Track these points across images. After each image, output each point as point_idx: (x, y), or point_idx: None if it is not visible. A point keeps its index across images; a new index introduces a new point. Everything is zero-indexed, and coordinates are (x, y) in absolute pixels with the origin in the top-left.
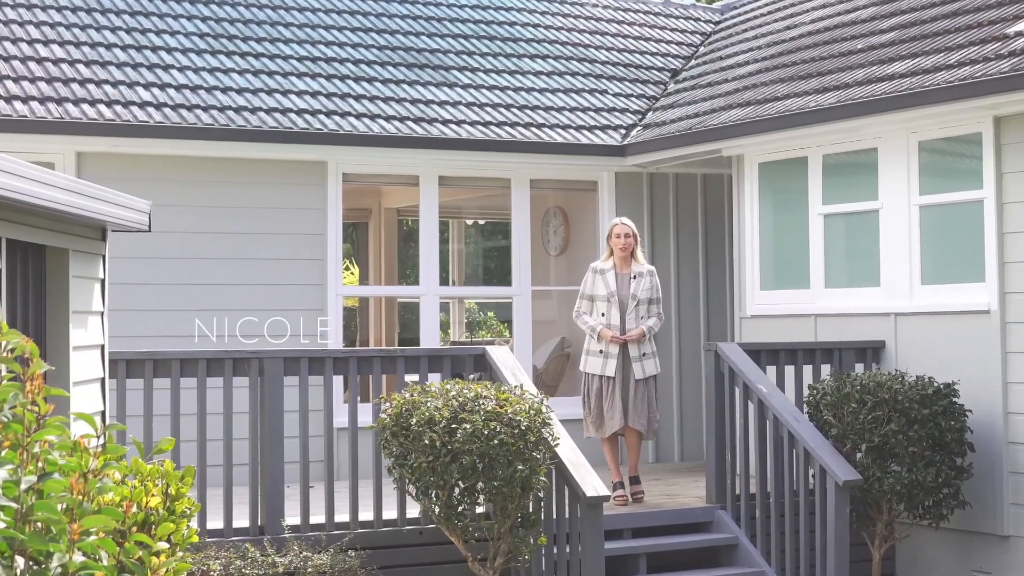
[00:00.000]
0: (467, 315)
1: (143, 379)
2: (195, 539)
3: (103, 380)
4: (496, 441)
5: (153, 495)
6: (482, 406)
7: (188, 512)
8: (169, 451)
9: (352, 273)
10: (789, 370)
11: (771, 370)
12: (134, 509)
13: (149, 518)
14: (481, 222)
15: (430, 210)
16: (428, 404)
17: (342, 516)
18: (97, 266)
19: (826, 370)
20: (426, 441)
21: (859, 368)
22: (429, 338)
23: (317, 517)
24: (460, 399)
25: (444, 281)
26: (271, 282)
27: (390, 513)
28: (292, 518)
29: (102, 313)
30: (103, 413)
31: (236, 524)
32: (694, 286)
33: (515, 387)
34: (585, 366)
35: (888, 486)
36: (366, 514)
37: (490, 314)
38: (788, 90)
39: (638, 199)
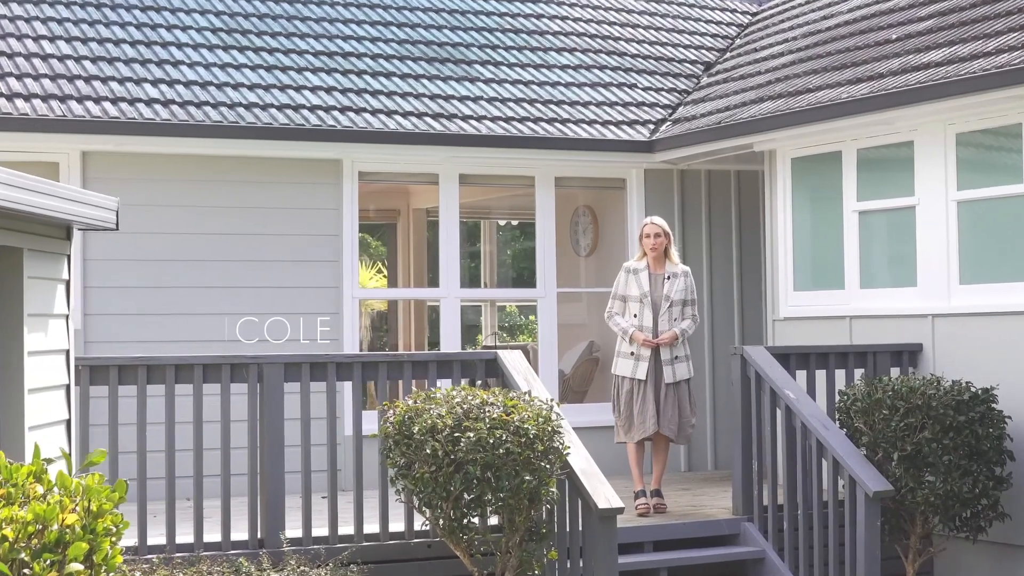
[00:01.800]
0: (508, 319)
1: (136, 385)
2: (119, 559)
3: (68, 387)
4: (502, 450)
5: (73, 511)
6: (488, 413)
7: (114, 530)
8: (101, 463)
9: (385, 276)
10: (820, 375)
11: (801, 375)
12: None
13: (64, 536)
14: (514, 223)
15: (450, 210)
16: (431, 411)
17: (347, 529)
18: (60, 267)
19: (860, 375)
20: (428, 450)
21: (895, 373)
22: (449, 342)
23: (320, 530)
24: (465, 406)
25: (476, 283)
26: (283, 284)
27: (397, 526)
28: (294, 531)
29: (67, 316)
30: (68, 422)
31: (235, 537)
32: (728, 287)
33: (523, 393)
34: (616, 368)
35: (922, 497)
36: (372, 527)
37: (532, 317)
38: (821, 81)
39: (668, 197)
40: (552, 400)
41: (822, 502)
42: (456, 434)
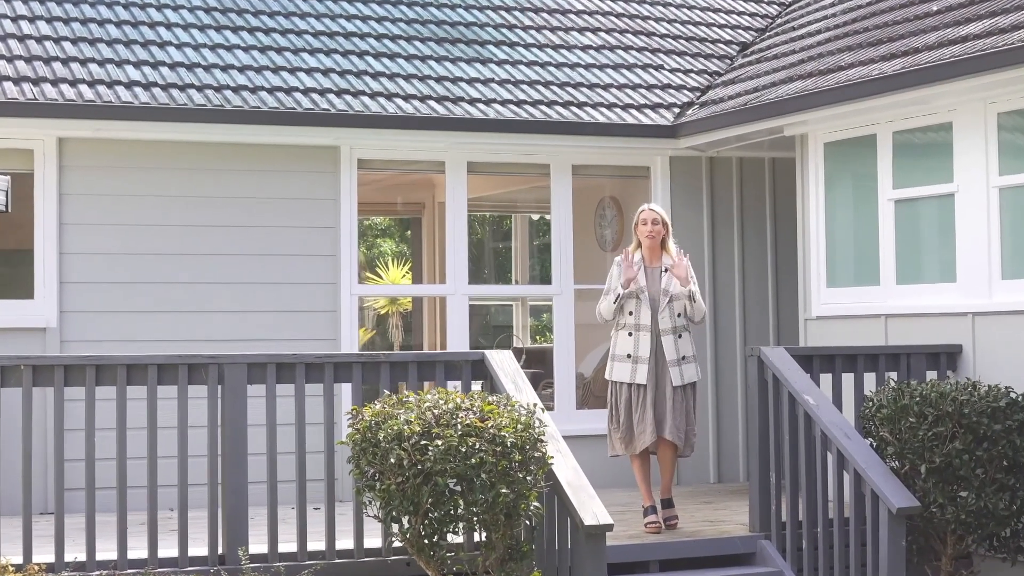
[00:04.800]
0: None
1: (84, 387)
2: None
3: None
4: (475, 460)
5: None
6: (461, 419)
7: None
8: None
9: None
10: (848, 379)
11: (826, 379)
12: None
13: None
14: (548, 217)
15: (457, 200)
16: (399, 417)
17: (317, 544)
18: None
19: (893, 379)
20: (393, 459)
21: (932, 376)
22: (456, 342)
23: (288, 545)
24: (436, 411)
25: (504, 280)
26: (276, 280)
27: (374, 541)
28: (260, 546)
29: None
30: None
31: (193, 552)
32: (762, 285)
33: (502, 398)
34: (611, 373)
35: (952, 514)
36: (345, 542)
37: None
38: (854, 59)
39: (696, 186)
40: (536, 405)
41: (844, 518)
42: (424, 442)
